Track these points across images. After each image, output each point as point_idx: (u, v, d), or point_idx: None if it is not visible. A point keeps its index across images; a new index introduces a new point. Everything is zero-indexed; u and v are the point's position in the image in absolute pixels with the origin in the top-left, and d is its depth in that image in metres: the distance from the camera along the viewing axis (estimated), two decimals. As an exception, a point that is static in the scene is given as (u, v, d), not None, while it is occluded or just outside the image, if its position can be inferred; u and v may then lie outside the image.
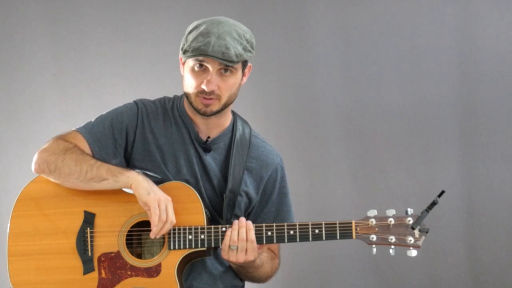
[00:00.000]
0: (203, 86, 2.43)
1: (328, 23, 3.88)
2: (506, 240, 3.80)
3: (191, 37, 2.44)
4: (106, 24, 3.95)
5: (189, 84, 2.47)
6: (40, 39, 3.95)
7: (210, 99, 2.45)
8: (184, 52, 2.45)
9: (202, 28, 2.43)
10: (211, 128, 2.58)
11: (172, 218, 2.39)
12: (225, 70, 2.44)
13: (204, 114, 2.48)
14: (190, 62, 2.45)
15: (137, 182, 2.40)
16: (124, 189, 2.55)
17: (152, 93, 2.73)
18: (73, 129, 2.56)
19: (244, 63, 2.51)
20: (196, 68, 2.44)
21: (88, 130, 2.54)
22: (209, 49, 2.38)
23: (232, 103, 2.53)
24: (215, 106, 2.47)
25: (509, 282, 3.80)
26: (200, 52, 2.39)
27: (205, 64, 2.43)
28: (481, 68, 3.79)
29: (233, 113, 2.65)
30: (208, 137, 2.57)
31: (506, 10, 3.76)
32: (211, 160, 2.57)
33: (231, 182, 2.55)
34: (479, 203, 3.82)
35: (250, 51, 2.47)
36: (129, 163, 2.58)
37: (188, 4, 3.90)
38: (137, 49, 3.92)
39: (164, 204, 2.39)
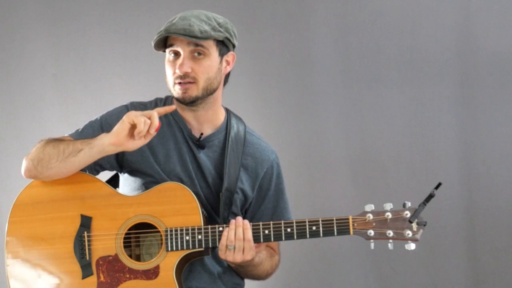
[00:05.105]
0: (177, 70, 2.46)
1: (328, 23, 3.88)
2: (506, 240, 3.80)
3: None
4: (106, 24, 3.95)
5: (168, 76, 2.51)
6: (40, 39, 3.95)
7: (186, 83, 2.47)
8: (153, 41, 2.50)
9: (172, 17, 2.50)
10: (202, 123, 2.58)
11: (149, 112, 2.37)
12: (199, 54, 2.46)
13: (184, 101, 2.50)
14: (166, 55, 2.50)
15: (110, 134, 2.40)
16: (119, 191, 2.58)
17: (152, 93, 2.73)
18: (64, 135, 2.58)
19: (222, 49, 2.51)
20: (171, 58, 2.49)
21: (78, 134, 2.56)
22: (172, 28, 2.44)
23: (215, 90, 2.53)
24: (194, 91, 2.48)
25: (509, 282, 3.80)
26: (164, 32, 2.45)
27: (176, 49, 2.47)
28: (481, 67, 3.78)
29: (227, 110, 2.66)
30: (201, 134, 2.57)
31: (506, 10, 3.76)
32: (206, 159, 2.57)
33: (227, 180, 2.55)
34: (479, 203, 3.82)
35: (220, 32, 2.48)
36: (122, 166, 2.59)
37: (188, 4, 3.85)
38: (137, 49, 3.92)
39: (133, 112, 2.38)
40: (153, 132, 2.38)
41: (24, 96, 3.97)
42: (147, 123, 2.36)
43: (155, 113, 2.37)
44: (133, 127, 2.37)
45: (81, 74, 3.96)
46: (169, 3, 3.92)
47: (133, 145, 2.39)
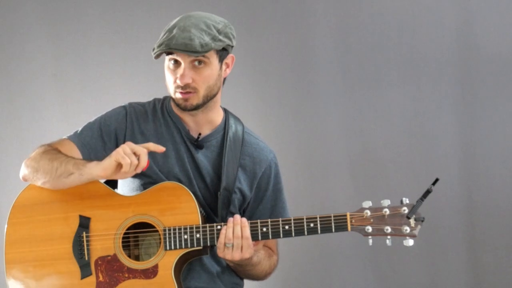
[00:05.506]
0: (177, 81, 2.45)
1: (328, 23, 3.88)
2: (506, 240, 3.80)
3: (161, 35, 2.48)
4: (106, 24, 3.95)
5: (168, 82, 2.50)
6: (40, 39, 3.95)
7: (187, 92, 2.46)
8: (153, 50, 2.48)
9: (170, 24, 2.47)
10: (201, 125, 2.58)
11: (140, 150, 2.35)
12: (199, 63, 2.45)
13: (185, 109, 2.50)
14: (166, 61, 2.49)
15: (99, 166, 2.38)
16: (117, 191, 2.57)
17: (151, 94, 2.73)
18: (63, 137, 2.57)
19: (222, 54, 2.50)
20: (171, 66, 2.47)
21: (77, 136, 2.56)
22: (172, 42, 2.41)
23: (215, 95, 2.53)
24: (194, 100, 2.48)
25: (509, 282, 3.80)
26: (165, 47, 2.42)
27: (177, 58, 2.45)
28: (481, 67, 3.78)
29: (225, 110, 2.66)
30: (199, 134, 2.57)
31: (506, 10, 3.75)
32: (204, 158, 2.57)
33: (225, 180, 2.55)
34: (479, 203, 3.82)
35: (221, 41, 2.46)
36: (121, 167, 2.58)
37: (188, 5, 3.87)
38: (137, 50, 3.92)
39: (124, 148, 2.34)
40: (140, 170, 2.36)
41: (24, 96, 3.97)
42: (134, 164, 2.34)
43: (144, 153, 2.35)
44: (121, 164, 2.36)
45: (81, 74, 3.96)
46: (169, 3, 3.92)
47: (122, 176, 2.39)
